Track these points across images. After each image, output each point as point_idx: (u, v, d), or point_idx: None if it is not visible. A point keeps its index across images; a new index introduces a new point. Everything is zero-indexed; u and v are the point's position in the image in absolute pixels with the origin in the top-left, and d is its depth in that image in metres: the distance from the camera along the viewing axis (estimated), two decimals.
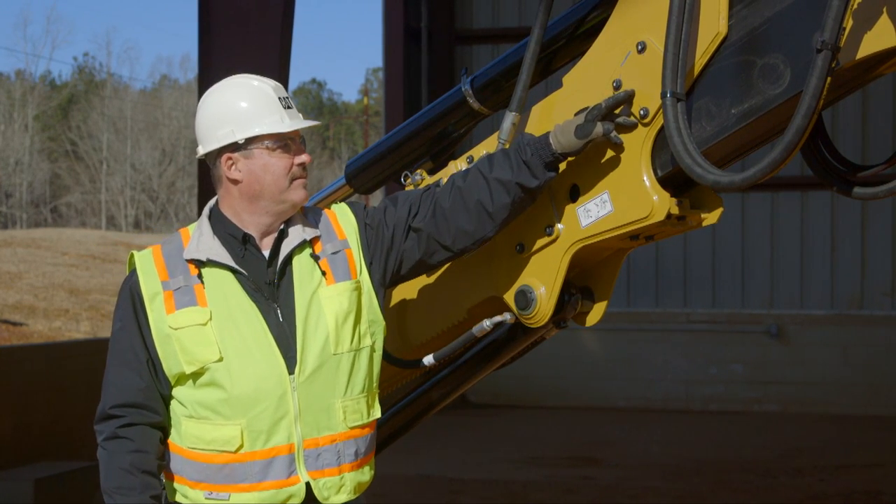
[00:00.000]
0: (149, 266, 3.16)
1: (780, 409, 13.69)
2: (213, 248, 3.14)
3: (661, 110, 2.93)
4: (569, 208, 3.21)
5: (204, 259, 3.13)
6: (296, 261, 3.17)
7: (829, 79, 2.58)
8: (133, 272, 3.18)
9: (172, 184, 53.91)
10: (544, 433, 12.44)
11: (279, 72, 8.41)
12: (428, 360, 3.54)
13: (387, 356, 3.44)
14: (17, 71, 60.40)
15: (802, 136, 2.63)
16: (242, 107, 3.14)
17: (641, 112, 3.04)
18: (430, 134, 3.78)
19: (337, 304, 3.14)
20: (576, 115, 3.11)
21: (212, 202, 3.26)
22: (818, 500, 9.00)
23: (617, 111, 3.07)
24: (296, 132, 3.17)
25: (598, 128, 3.04)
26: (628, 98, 3.06)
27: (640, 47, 3.05)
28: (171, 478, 3.17)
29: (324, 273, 3.16)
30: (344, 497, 3.17)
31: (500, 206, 3.14)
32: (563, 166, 3.19)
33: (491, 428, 12.79)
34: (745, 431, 12.51)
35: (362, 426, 3.22)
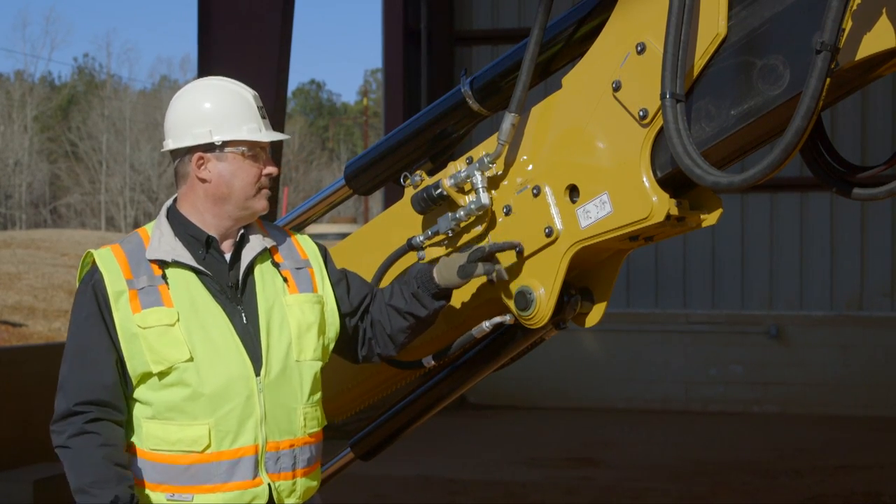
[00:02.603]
0: (111, 265, 3.13)
1: (780, 410, 13.68)
2: (175, 248, 3.15)
3: (660, 111, 2.93)
4: (568, 209, 3.21)
5: (169, 260, 3.14)
6: (257, 267, 3.21)
7: (828, 80, 2.58)
8: (94, 270, 3.13)
9: (172, 184, 53.78)
10: (544, 434, 12.44)
11: (278, 72, 8.42)
12: (427, 361, 3.54)
13: (387, 357, 3.45)
14: (16, 72, 60.42)
15: (802, 136, 2.63)
16: (223, 109, 3.17)
17: (641, 113, 3.05)
18: (430, 135, 3.78)
19: (300, 312, 3.21)
20: (461, 252, 3.29)
21: (169, 202, 3.26)
22: (818, 501, 9.00)
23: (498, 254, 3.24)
24: (267, 143, 3.22)
25: (480, 268, 3.21)
26: (512, 247, 3.23)
27: (639, 48, 3.06)
28: (135, 480, 3.13)
29: (285, 280, 3.23)
30: (293, 501, 3.20)
31: (397, 329, 3.33)
32: (561, 168, 3.20)
33: (490, 429, 12.79)
34: (745, 432, 12.51)
35: (316, 433, 3.26)
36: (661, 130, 3.00)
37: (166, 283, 3.11)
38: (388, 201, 12.94)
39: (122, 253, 3.15)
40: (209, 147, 3.15)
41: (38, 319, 21.54)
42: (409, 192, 3.61)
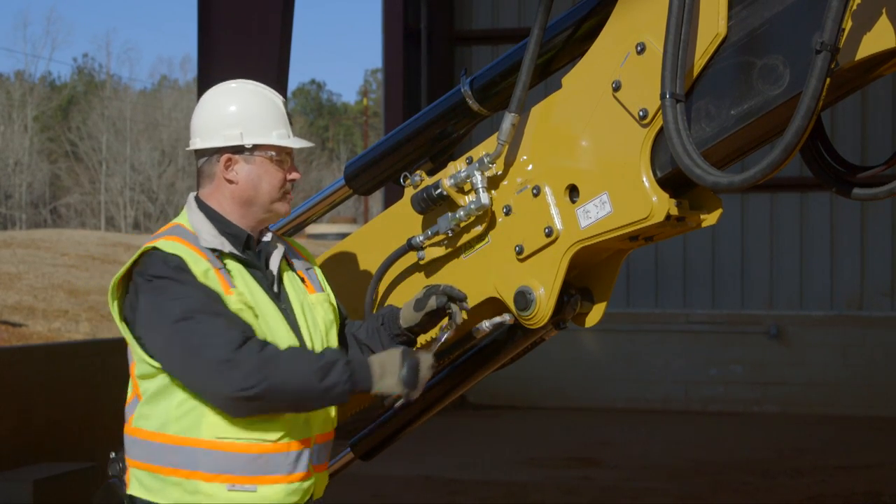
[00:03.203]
0: (181, 249, 3.07)
1: (780, 410, 13.68)
2: (223, 242, 3.16)
3: (660, 111, 2.93)
4: (568, 209, 3.21)
5: (226, 251, 3.14)
6: (281, 266, 3.26)
7: (828, 80, 2.58)
8: (167, 256, 3.04)
9: (172, 185, 53.90)
10: (544, 434, 12.44)
11: (278, 73, 8.41)
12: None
13: None
14: (16, 72, 60.44)
15: (802, 136, 2.63)
16: (256, 113, 3.20)
17: (640, 113, 3.05)
18: (430, 135, 3.78)
19: (322, 311, 3.27)
20: (424, 289, 3.33)
21: (191, 199, 3.25)
22: (818, 501, 8.99)
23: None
24: (293, 149, 3.25)
25: (433, 301, 3.26)
26: (461, 299, 3.29)
27: (639, 48, 3.06)
28: (168, 473, 3.06)
29: (302, 280, 3.29)
30: (320, 495, 3.24)
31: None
32: (561, 169, 3.20)
33: (490, 428, 12.79)
34: (745, 432, 12.51)
35: (335, 430, 3.31)
36: (661, 130, 3.00)
37: (229, 272, 3.11)
38: (388, 201, 12.93)
39: (183, 240, 3.11)
40: (238, 149, 3.18)
41: (37, 319, 21.53)
42: (409, 192, 3.61)
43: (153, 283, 3.03)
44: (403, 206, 3.64)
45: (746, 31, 2.89)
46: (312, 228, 37.26)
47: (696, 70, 2.95)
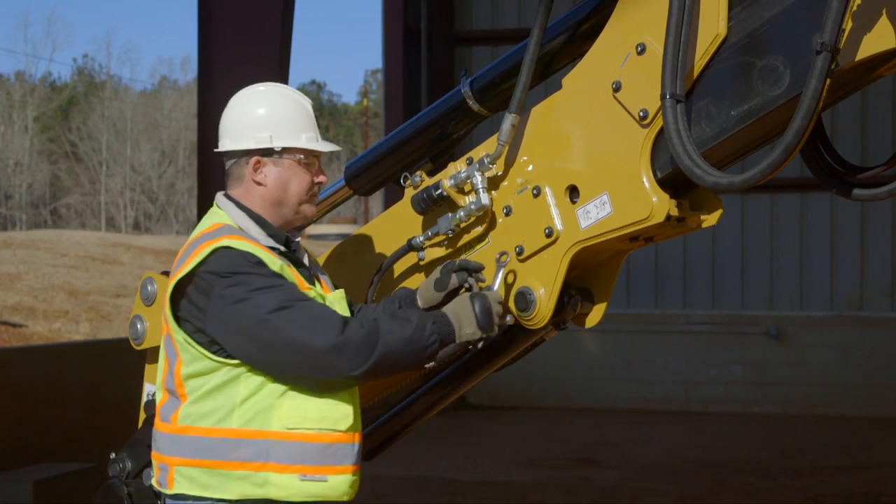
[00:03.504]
0: (255, 248, 3.10)
1: (780, 411, 13.69)
2: (273, 242, 3.19)
3: (660, 112, 2.93)
4: (568, 210, 3.21)
5: (282, 249, 3.19)
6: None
7: (828, 80, 2.58)
8: (243, 253, 3.06)
9: (172, 185, 53.91)
10: (544, 434, 12.44)
11: (279, 73, 8.41)
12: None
13: None
14: (17, 72, 60.43)
15: (802, 137, 2.63)
16: (285, 116, 3.23)
17: (641, 113, 3.05)
18: (430, 135, 3.78)
19: (341, 308, 3.27)
20: (439, 268, 3.32)
21: (225, 199, 3.24)
22: (818, 501, 9.00)
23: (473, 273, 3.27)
24: (321, 153, 3.28)
25: (454, 278, 3.25)
26: (478, 269, 3.26)
27: (639, 49, 3.06)
28: (233, 467, 3.05)
29: (319, 282, 3.31)
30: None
31: None
32: (561, 169, 3.20)
33: (490, 429, 12.79)
34: (745, 432, 12.51)
35: None
36: (661, 131, 3.00)
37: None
38: (389, 202, 12.94)
39: (247, 239, 3.13)
40: (267, 152, 3.21)
41: (38, 320, 21.53)
42: (410, 192, 3.61)
43: (233, 278, 3.03)
44: (403, 206, 3.64)
45: (746, 31, 2.89)
46: (313, 229, 37.24)
47: (697, 71, 2.95)
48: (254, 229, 3.18)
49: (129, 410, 4.60)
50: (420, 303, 3.33)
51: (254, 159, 3.21)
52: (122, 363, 6.45)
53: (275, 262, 3.10)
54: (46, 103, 57.09)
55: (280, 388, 3.06)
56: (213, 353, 3.07)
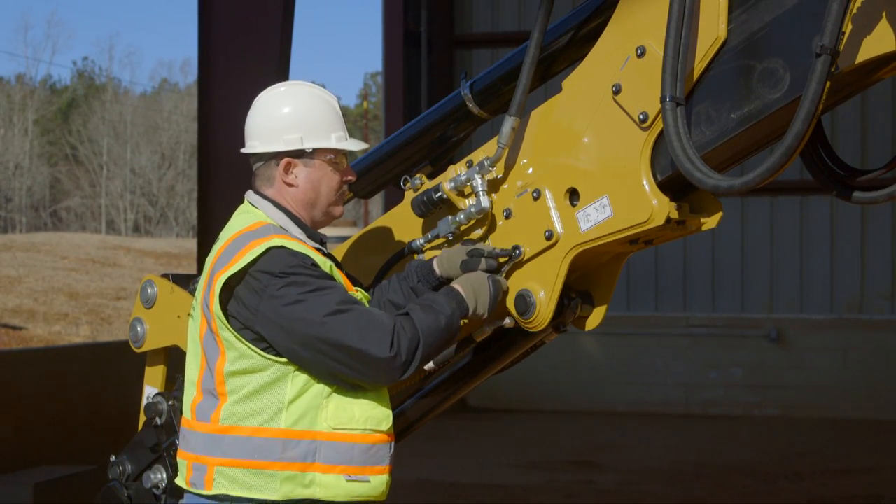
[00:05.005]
0: (306, 248, 3.10)
1: (780, 414, 13.68)
2: (315, 243, 3.21)
3: (660, 115, 2.93)
4: (568, 212, 3.21)
5: (325, 249, 3.21)
6: None
7: (828, 83, 2.58)
8: (293, 253, 3.05)
9: (172, 188, 53.89)
10: (544, 437, 12.44)
11: (278, 76, 8.42)
12: (428, 364, 3.54)
13: None
14: (17, 75, 60.37)
15: (802, 140, 2.63)
16: (313, 117, 3.21)
17: (641, 116, 3.05)
18: (430, 138, 3.78)
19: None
20: (461, 244, 3.33)
21: (260, 199, 3.22)
22: None
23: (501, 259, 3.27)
24: (349, 151, 3.28)
25: (483, 264, 3.25)
26: (509, 255, 3.26)
27: (639, 52, 3.06)
28: (279, 467, 3.03)
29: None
30: None
31: None
32: (561, 172, 3.20)
33: (490, 432, 12.79)
34: (745, 435, 12.51)
35: None
36: (661, 134, 3.00)
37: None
38: (388, 204, 12.94)
39: (296, 238, 3.13)
40: (298, 153, 3.19)
41: (38, 323, 21.54)
42: (409, 195, 3.61)
43: (289, 278, 3.02)
44: (403, 209, 3.64)
45: (746, 34, 2.89)
46: None
47: (697, 73, 2.95)
48: (294, 229, 3.18)
49: (129, 413, 4.60)
50: (439, 272, 3.31)
51: (284, 161, 3.19)
52: (122, 366, 6.46)
53: (325, 263, 3.10)
54: (46, 106, 57.07)
55: (326, 388, 3.06)
56: (262, 350, 3.04)
